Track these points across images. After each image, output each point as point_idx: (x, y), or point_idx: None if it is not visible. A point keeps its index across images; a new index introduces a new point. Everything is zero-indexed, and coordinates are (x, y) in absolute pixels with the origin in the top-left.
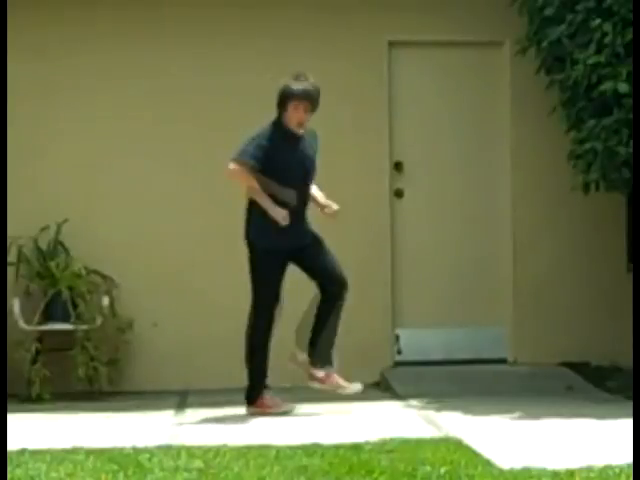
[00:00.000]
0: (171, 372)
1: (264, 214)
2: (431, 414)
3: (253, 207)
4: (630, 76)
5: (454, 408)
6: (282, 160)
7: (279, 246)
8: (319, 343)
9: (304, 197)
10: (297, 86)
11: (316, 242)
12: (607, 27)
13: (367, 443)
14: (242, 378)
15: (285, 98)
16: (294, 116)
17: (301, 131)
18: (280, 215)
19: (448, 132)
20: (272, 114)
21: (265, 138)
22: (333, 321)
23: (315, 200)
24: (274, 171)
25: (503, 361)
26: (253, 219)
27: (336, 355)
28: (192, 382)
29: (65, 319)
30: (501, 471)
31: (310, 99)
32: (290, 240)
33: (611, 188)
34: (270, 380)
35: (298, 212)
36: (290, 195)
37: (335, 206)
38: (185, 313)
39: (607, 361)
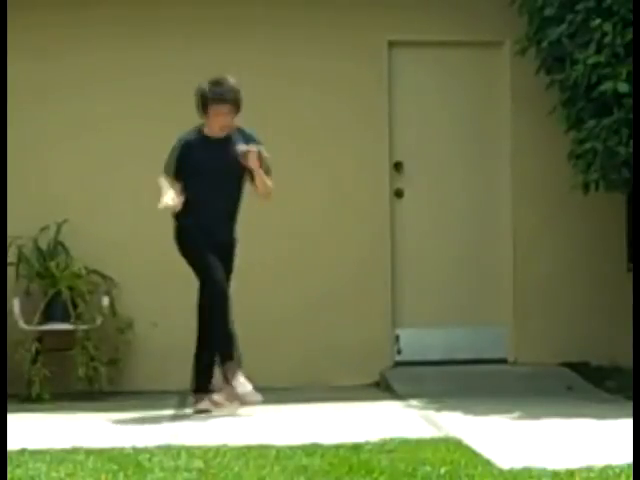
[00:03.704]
0: (171, 372)
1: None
2: (431, 414)
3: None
4: (630, 76)
5: (454, 408)
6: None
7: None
8: None
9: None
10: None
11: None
12: (607, 27)
13: (367, 443)
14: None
15: (204, 102)
16: (217, 119)
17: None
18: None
19: (448, 132)
20: (272, 115)
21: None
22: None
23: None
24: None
25: (503, 361)
26: None
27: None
28: None
29: (65, 319)
30: (501, 471)
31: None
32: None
33: (611, 188)
34: (269, 381)
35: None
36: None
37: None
38: (185, 313)
39: (607, 361)
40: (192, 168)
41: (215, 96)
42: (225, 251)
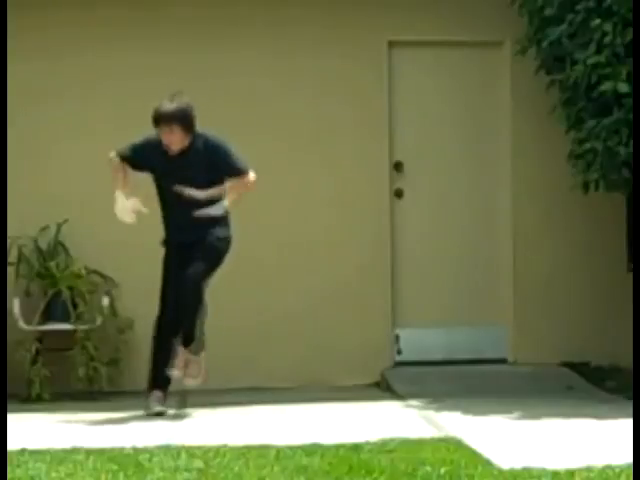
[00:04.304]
0: None
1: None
2: (431, 414)
3: None
4: (630, 76)
5: (454, 408)
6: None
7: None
8: None
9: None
10: (164, 107)
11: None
12: (607, 27)
13: (367, 443)
14: (242, 378)
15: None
16: (163, 138)
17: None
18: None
19: (448, 132)
20: (272, 115)
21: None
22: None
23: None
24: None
25: (503, 361)
26: None
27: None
28: None
29: (65, 319)
30: (501, 471)
31: (176, 120)
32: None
33: (611, 188)
34: (269, 381)
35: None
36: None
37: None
38: None
39: (607, 361)
40: (154, 175)
41: (153, 115)
42: (189, 248)
